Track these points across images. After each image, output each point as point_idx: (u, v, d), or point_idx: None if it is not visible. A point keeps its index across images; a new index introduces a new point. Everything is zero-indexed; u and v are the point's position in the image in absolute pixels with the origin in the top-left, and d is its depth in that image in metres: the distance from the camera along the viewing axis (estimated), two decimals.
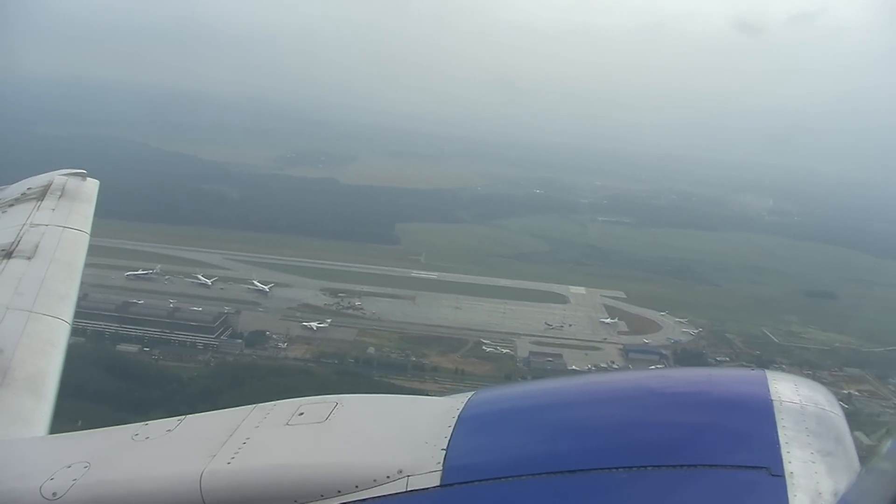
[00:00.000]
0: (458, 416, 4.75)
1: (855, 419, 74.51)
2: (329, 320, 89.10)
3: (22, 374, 7.57)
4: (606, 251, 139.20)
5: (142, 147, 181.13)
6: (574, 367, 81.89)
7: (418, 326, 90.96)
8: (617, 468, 4.00)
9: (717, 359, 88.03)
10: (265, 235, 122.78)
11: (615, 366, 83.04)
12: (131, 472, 4.83)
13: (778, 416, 4.17)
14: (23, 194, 12.28)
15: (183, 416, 5.34)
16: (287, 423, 4.92)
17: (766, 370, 4.67)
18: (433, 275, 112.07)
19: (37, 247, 10.32)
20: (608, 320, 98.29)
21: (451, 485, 4.22)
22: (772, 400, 4.30)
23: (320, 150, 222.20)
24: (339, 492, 4.31)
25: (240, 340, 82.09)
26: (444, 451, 4.42)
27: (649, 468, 3.96)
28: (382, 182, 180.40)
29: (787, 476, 3.78)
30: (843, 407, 4.55)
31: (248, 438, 4.79)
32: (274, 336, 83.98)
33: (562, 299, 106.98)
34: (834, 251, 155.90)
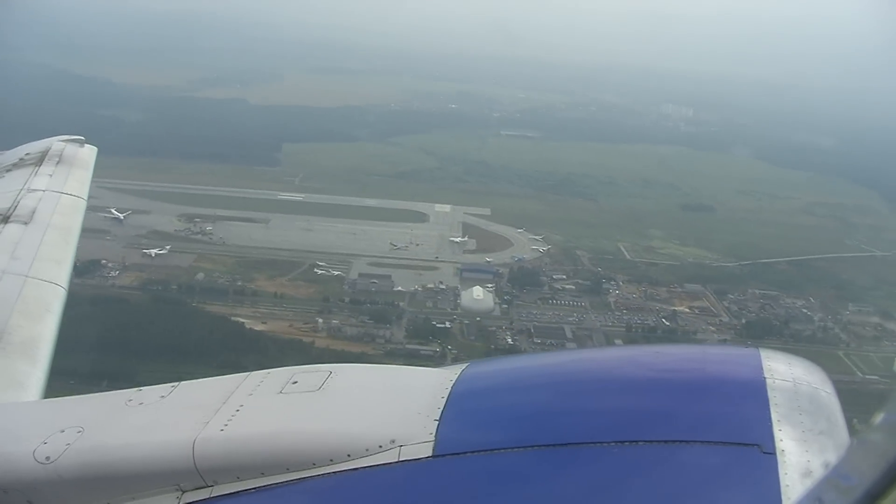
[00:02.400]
0: (452, 388, 4.76)
1: (671, 337, 75.82)
2: (168, 246, 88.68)
3: (17, 338, 7.66)
4: (494, 167, 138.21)
5: (45, 69, 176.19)
6: (400, 287, 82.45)
7: (260, 250, 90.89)
8: (609, 442, 4.05)
9: (554, 276, 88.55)
10: (146, 160, 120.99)
11: (442, 285, 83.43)
12: (124, 437, 4.87)
13: (770, 394, 4.22)
14: (20, 160, 12.45)
15: (177, 383, 5.38)
16: (280, 392, 4.96)
17: (759, 349, 4.73)
18: (299, 196, 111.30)
19: (34, 212, 10.44)
20: (458, 239, 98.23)
21: (443, 455, 4.26)
22: (764, 378, 4.35)
23: (249, 69, 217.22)
24: (332, 460, 4.36)
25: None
26: (437, 422, 4.44)
27: (641, 443, 4.04)
28: (295, 101, 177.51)
29: (778, 453, 3.85)
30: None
31: (241, 406, 4.83)
32: (109, 265, 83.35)
33: (422, 218, 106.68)
34: (738, 163, 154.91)
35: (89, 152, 13.31)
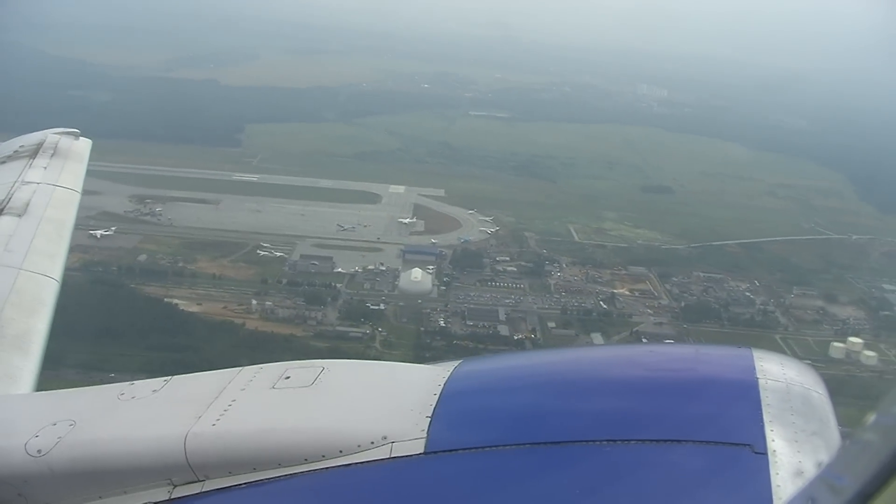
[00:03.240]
0: (444, 385, 4.76)
1: (607, 320, 76.02)
2: (114, 228, 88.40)
3: (10, 331, 7.64)
4: (457, 148, 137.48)
5: (18, 49, 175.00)
6: (340, 269, 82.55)
7: (206, 231, 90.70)
8: (600, 441, 4.07)
9: (497, 258, 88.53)
10: (107, 142, 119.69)
11: (383, 266, 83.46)
12: (116, 431, 4.89)
13: (762, 395, 4.24)
14: (14, 152, 12.39)
15: (169, 377, 5.39)
16: (273, 387, 4.95)
17: (752, 349, 4.75)
18: (255, 177, 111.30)
19: (27, 204, 10.41)
20: (406, 220, 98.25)
21: (434, 452, 4.26)
22: (757, 378, 4.36)
23: (227, 48, 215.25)
24: (323, 456, 4.36)
25: None
26: (429, 419, 4.44)
27: (632, 442, 4.06)
28: (266, 82, 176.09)
29: (769, 454, 3.86)
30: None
31: (233, 401, 4.82)
32: None
33: (375, 199, 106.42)
34: (707, 143, 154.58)
35: (84, 145, 13.32)
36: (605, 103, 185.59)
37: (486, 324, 73.20)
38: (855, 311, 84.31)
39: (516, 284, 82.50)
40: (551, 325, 74.28)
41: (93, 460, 4.73)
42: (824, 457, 3.83)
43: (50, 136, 12.97)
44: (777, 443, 3.93)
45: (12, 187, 10.92)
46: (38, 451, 4.74)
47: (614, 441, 4.06)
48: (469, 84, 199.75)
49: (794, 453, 3.88)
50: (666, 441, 4.04)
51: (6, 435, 5.06)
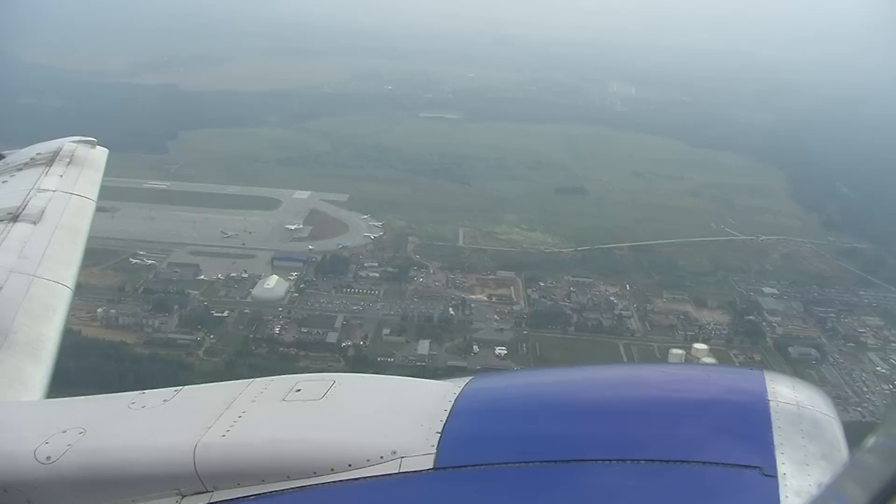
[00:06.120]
0: (455, 400, 4.79)
1: (446, 327, 76.51)
2: None
3: (23, 337, 7.79)
4: (387, 150, 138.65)
5: None
6: (203, 276, 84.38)
7: (90, 240, 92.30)
8: (610, 460, 4.08)
9: (365, 264, 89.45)
10: None
11: (245, 273, 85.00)
12: (126, 440, 4.95)
13: (773, 417, 4.24)
14: (31, 159, 12.65)
15: (180, 387, 5.47)
16: (283, 399, 5.00)
17: (764, 370, 4.75)
18: (164, 185, 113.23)
19: (43, 212, 10.62)
20: (293, 226, 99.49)
21: (444, 468, 4.28)
22: (768, 400, 4.37)
23: (204, 51, 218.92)
24: (333, 470, 4.41)
25: None
26: (439, 435, 4.47)
27: (642, 461, 4.05)
28: (229, 85, 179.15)
29: (779, 477, 3.86)
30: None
31: (243, 412, 4.88)
32: None
33: (274, 205, 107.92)
34: (652, 142, 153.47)
35: (101, 153, 13.48)
36: (567, 101, 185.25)
37: (319, 331, 74.39)
38: (719, 316, 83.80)
39: (372, 291, 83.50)
40: (386, 331, 75.19)
41: (101, 468, 4.79)
42: None
43: (67, 144, 13.24)
44: (787, 466, 3.92)
45: (28, 194, 11.06)
46: (48, 458, 4.80)
47: (623, 461, 4.06)
48: (436, 84, 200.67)
49: (803, 476, 3.87)
50: (675, 462, 4.02)
51: (16, 441, 5.14)
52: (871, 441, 2.65)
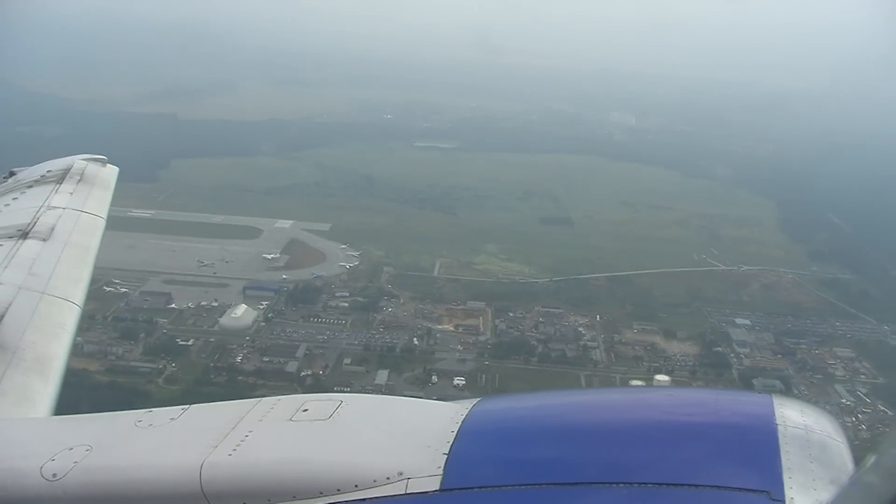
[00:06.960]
0: (462, 422, 4.82)
1: (408, 357, 76.62)
2: None
3: (31, 354, 7.86)
4: (377, 181, 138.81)
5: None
6: (174, 305, 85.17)
7: None
8: (618, 483, 4.07)
9: (336, 294, 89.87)
10: None
11: (216, 302, 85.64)
12: (132, 458, 4.98)
13: (782, 442, 4.26)
14: (42, 177, 12.70)
15: (187, 406, 5.51)
16: (290, 419, 5.04)
17: (772, 395, 4.77)
18: (148, 213, 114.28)
19: (53, 229, 10.69)
20: (270, 256, 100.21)
21: (450, 489, 4.30)
22: (776, 425, 4.39)
23: (210, 81, 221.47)
24: (339, 490, 4.43)
25: None
26: (446, 456, 4.50)
27: (650, 485, 4.03)
28: (228, 115, 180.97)
29: (787, 501, 3.85)
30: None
31: (250, 432, 4.92)
32: None
33: (255, 234, 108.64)
34: (646, 172, 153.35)
35: (111, 172, 13.52)
36: (566, 132, 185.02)
37: (280, 360, 74.94)
38: (687, 347, 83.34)
39: (340, 321, 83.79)
40: (347, 361, 75.48)
41: (107, 486, 4.80)
42: None
43: (77, 161, 13.24)
44: (794, 490, 3.92)
45: (38, 211, 11.15)
46: (54, 475, 4.83)
47: (631, 484, 4.05)
48: (436, 113, 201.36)
49: (811, 500, 3.88)
50: (683, 486, 4.01)
51: (22, 457, 5.18)
52: (871, 460, 2.70)
